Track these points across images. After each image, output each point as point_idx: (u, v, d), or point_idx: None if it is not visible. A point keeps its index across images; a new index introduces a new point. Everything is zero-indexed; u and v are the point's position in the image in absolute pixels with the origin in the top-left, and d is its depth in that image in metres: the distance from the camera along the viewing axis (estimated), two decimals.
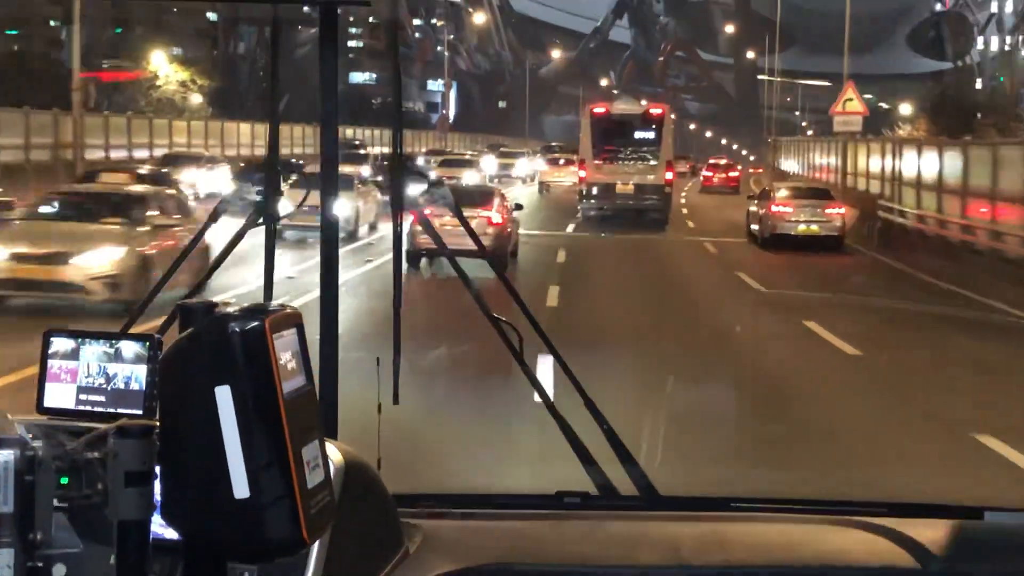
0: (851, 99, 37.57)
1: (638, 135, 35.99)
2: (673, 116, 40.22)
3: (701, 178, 66.62)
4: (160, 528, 1.86)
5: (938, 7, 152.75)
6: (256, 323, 1.78)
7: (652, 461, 7.01)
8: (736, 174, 65.29)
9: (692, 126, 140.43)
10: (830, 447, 9.35)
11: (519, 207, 25.28)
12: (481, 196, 22.71)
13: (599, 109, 37.48)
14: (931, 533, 2.83)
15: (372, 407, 3.08)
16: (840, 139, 41.45)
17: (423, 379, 10.37)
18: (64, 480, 1.80)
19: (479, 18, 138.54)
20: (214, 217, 3.19)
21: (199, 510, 1.79)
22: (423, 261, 21.26)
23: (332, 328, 2.92)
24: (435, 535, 2.65)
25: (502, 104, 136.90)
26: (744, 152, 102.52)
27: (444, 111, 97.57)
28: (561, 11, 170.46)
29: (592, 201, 35.55)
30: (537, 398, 3.10)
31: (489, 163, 56.15)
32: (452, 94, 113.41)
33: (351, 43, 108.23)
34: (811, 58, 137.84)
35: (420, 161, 34.62)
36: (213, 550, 1.85)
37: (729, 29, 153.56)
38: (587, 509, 2.94)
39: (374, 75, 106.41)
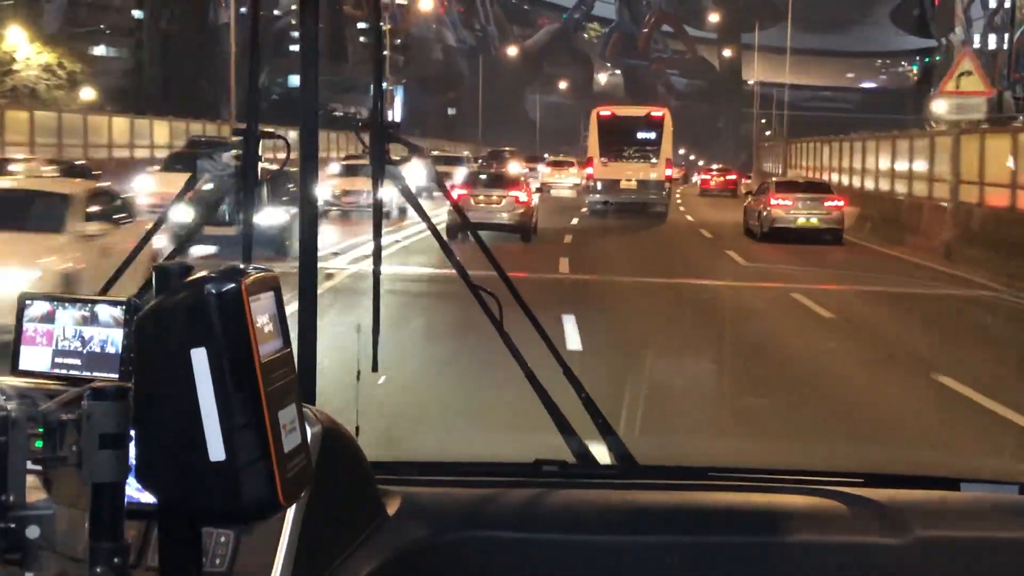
0: (968, 72, 25.61)
1: (640, 136, 39.54)
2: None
3: (699, 181, 67.93)
4: (135, 492, 1.85)
5: None
6: (232, 285, 1.77)
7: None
8: (734, 177, 67.27)
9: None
10: None
11: (540, 190, 33.62)
12: (511, 180, 28.78)
13: (605, 112, 41.01)
14: (908, 504, 2.85)
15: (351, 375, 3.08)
16: (950, 131, 27.39)
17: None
18: (39, 442, 1.79)
19: None
20: (193, 181, 3.18)
21: (174, 473, 1.78)
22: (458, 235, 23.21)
23: (311, 295, 2.91)
24: (413, 502, 2.65)
25: (452, 111, 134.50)
26: (701, 163, 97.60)
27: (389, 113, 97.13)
28: None
29: (598, 196, 39.38)
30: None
31: (414, 170, 53.76)
32: (398, 98, 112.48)
33: (295, 47, 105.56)
34: (800, 35, 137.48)
35: (335, 168, 33.63)
36: (188, 513, 1.84)
37: (715, 6, 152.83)
38: (565, 477, 2.94)
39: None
